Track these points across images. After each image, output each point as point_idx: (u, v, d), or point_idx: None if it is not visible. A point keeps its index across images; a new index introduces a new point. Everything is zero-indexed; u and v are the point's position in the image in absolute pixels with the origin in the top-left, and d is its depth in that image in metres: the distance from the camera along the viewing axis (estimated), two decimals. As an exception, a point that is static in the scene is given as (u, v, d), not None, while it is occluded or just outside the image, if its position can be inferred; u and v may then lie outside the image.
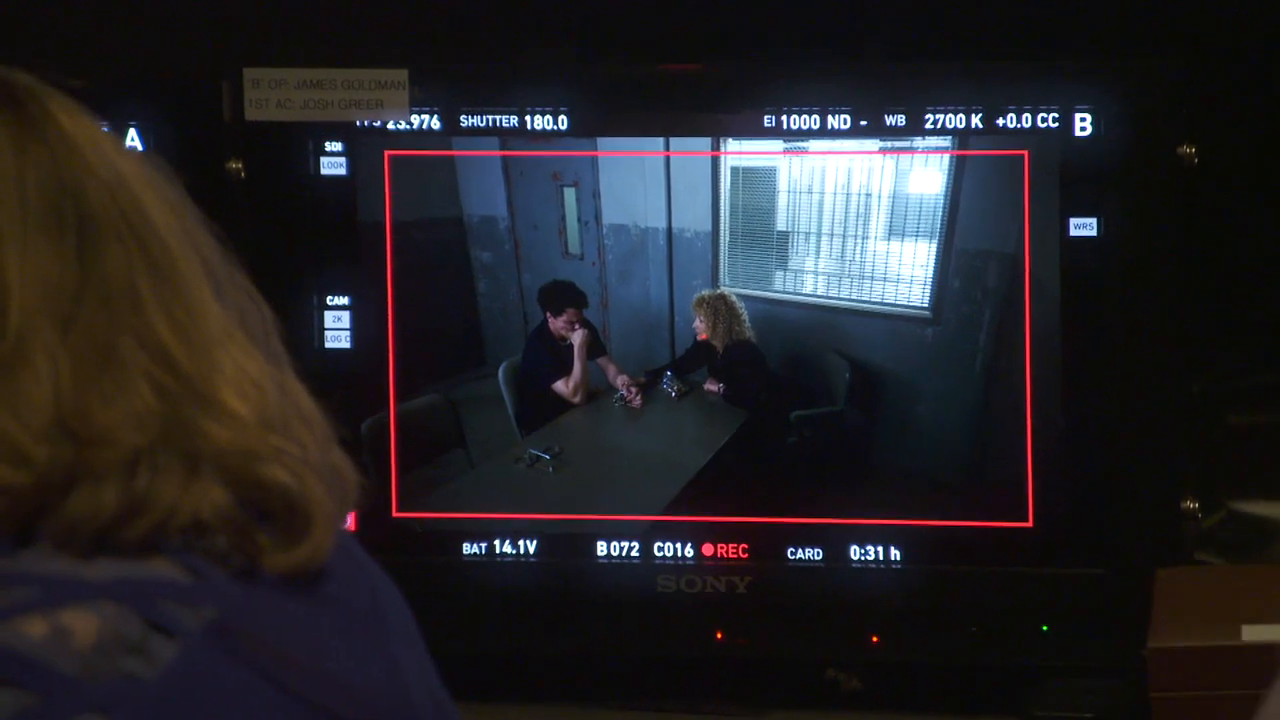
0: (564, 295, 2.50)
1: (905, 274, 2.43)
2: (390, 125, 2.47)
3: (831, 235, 2.44)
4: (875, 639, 2.44)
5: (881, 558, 2.44)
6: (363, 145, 2.48)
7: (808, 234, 2.45)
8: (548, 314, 2.50)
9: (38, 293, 1.13)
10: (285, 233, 2.48)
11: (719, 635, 2.47)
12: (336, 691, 1.13)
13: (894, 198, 2.42)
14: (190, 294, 1.18)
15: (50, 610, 1.08)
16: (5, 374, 1.11)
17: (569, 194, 2.49)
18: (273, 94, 2.45)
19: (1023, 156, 2.38)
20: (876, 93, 2.41)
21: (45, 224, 1.14)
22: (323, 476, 1.18)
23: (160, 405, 1.13)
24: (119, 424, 1.11)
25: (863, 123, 2.41)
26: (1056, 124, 2.37)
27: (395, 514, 2.51)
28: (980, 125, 2.39)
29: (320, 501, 1.16)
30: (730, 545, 2.47)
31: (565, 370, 2.51)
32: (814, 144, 2.43)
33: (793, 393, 2.49)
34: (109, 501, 1.10)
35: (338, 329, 2.50)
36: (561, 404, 2.53)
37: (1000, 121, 2.38)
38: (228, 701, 1.10)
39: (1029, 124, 2.38)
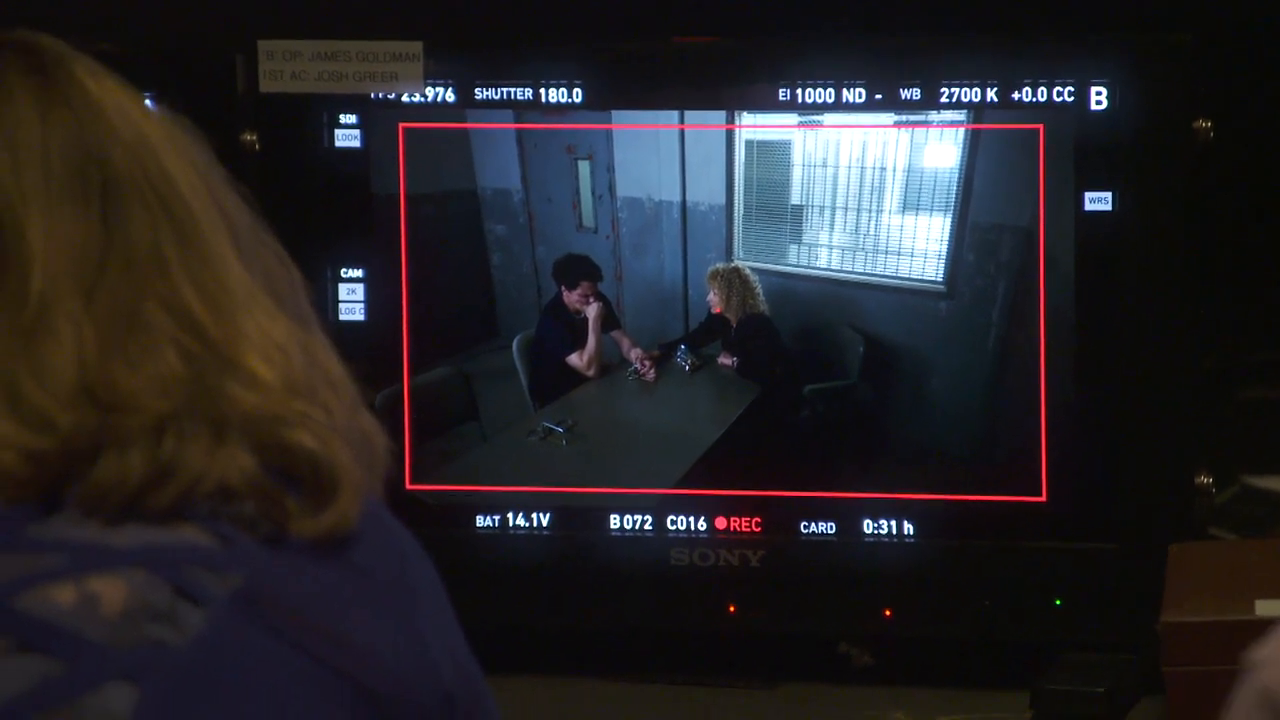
0: (579, 268, 2.50)
1: (919, 248, 2.43)
2: (405, 98, 2.47)
3: (846, 209, 2.44)
4: (888, 613, 2.44)
5: (894, 532, 2.45)
6: (377, 118, 2.48)
7: (822, 208, 2.45)
8: (562, 287, 2.50)
9: (62, 258, 1.13)
10: (299, 205, 2.48)
11: (731, 609, 2.47)
12: (361, 659, 1.13)
13: (909, 171, 2.42)
14: (215, 258, 1.17)
15: (79, 577, 1.07)
16: (29, 340, 1.11)
17: (583, 167, 2.49)
18: (287, 66, 2.45)
19: (1038, 130, 2.38)
20: (891, 66, 2.40)
21: (70, 189, 1.14)
22: (350, 442, 1.18)
23: (186, 370, 1.13)
24: (144, 390, 1.11)
25: (878, 96, 2.40)
26: (1072, 98, 2.37)
27: (409, 486, 2.52)
28: (995, 99, 2.38)
29: (347, 467, 1.16)
30: (743, 519, 2.47)
31: (579, 343, 2.51)
32: (829, 117, 2.42)
33: (806, 366, 2.49)
34: (136, 468, 1.10)
35: (352, 301, 2.50)
36: (575, 377, 2.53)
37: (1015, 95, 2.38)
38: (254, 669, 1.09)
39: (1044, 98, 2.37)
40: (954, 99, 2.39)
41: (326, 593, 1.13)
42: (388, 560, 1.19)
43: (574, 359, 2.52)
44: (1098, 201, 2.37)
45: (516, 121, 2.48)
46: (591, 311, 2.50)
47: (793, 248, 2.46)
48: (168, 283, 1.15)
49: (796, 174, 2.45)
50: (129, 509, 1.10)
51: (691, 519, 2.48)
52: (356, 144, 2.48)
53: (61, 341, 1.11)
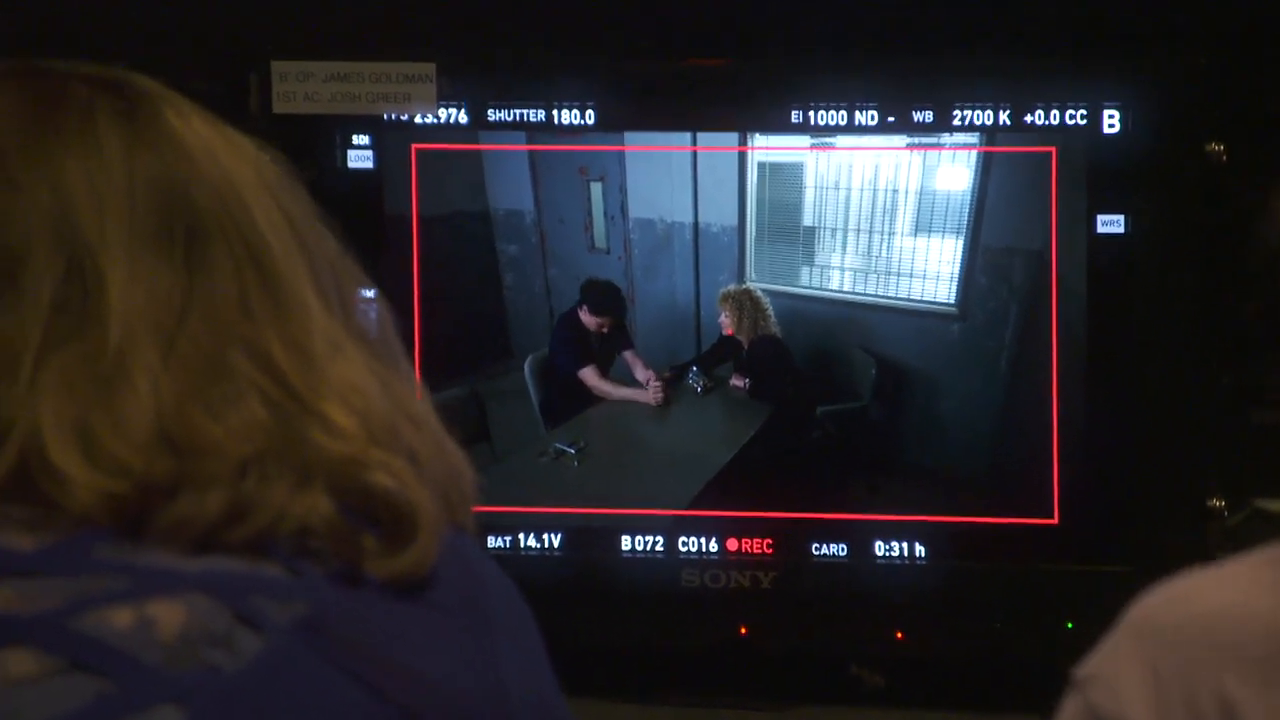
0: (610, 301, 2.49)
1: (932, 270, 2.43)
2: (417, 119, 2.47)
3: (858, 231, 2.44)
4: (899, 635, 2.44)
5: (906, 554, 2.44)
6: (390, 139, 2.48)
7: (834, 230, 2.45)
8: (585, 305, 2.50)
9: (142, 307, 1.12)
10: (312, 225, 2.47)
11: (743, 630, 2.47)
12: (427, 695, 1.12)
13: (921, 194, 2.42)
14: (297, 303, 1.17)
15: (139, 600, 1.07)
16: (107, 390, 1.10)
17: (595, 188, 2.49)
18: (300, 87, 2.45)
19: (1050, 153, 2.38)
20: (904, 89, 2.40)
21: (153, 235, 1.14)
22: (434, 480, 1.17)
23: (270, 418, 1.12)
24: (227, 438, 1.11)
25: (890, 119, 2.41)
26: (1084, 121, 2.37)
27: (420, 507, 2.51)
28: (1008, 122, 2.38)
29: (426, 509, 1.15)
30: (755, 540, 2.47)
31: (591, 357, 2.51)
32: (841, 140, 2.43)
33: (818, 388, 2.49)
34: (214, 505, 1.10)
35: (364, 322, 2.49)
36: (587, 397, 2.53)
37: (1028, 118, 2.38)
38: (308, 697, 1.09)
39: (1057, 121, 2.37)
40: (966, 122, 2.39)
41: (395, 628, 1.13)
42: (466, 598, 1.18)
43: (587, 373, 2.52)
44: (1110, 224, 2.37)
45: (529, 143, 2.48)
46: (641, 375, 2.50)
47: (805, 269, 2.47)
48: (252, 328, 1.14)
49: (809, 196, 2.45)
50: (205, 542, 1.10)
51: (703, 540, 2.47)
52: (369, 165, 2.49)
53: (138, 392, 1.11)
